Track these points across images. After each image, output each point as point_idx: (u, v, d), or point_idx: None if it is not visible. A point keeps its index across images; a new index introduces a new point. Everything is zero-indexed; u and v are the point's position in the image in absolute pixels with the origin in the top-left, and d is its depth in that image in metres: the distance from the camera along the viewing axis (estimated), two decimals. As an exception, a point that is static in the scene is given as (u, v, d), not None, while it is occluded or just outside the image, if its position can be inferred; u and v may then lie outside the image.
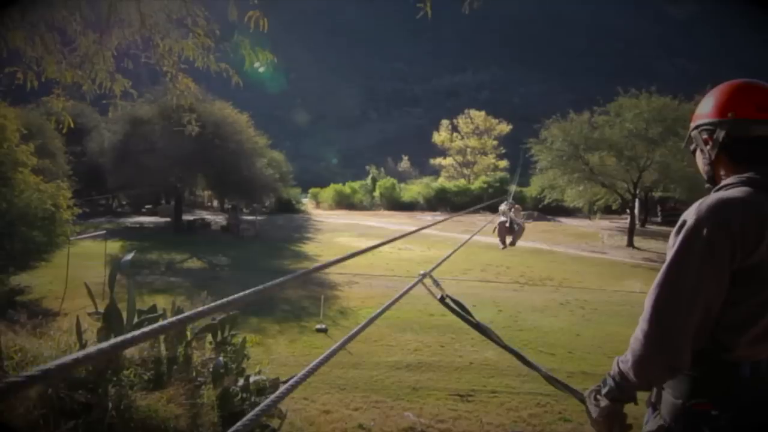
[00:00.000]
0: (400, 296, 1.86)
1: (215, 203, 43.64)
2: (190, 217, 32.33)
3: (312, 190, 52.35)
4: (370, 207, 46.13)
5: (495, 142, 53.54)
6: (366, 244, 20.32)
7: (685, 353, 1.36)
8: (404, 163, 69.08)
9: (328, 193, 49.71)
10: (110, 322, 4.95)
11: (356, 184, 50.35)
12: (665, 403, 1.46)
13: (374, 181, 49.84)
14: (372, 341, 10.14)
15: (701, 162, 1.58)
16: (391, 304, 1.73)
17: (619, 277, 18.16)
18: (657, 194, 31.88)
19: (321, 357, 1.37)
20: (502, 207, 7.25)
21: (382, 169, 56.06)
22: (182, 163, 26.07)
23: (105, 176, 29.25)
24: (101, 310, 5.42)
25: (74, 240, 16.65)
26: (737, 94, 1.48)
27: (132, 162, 26.56)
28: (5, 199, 14.21)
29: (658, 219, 35.94)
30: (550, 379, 1.96)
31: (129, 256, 6.13)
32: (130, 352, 5.51)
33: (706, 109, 1.53)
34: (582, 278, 18.12)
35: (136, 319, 5.58)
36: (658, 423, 1.47)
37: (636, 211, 29.72)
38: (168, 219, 31.42)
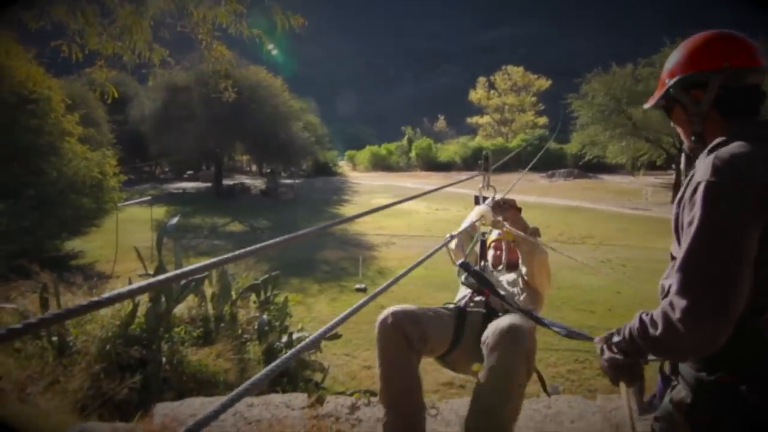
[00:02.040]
0: (428, 256, 1.89)
1: (254, 168, 44.31)
2: (230, 182, 32.98)
3: (348, 153, 52.45)
4: (407, 168, 45.98)
5: (534, 99, 52.15)
6: (403, 205, 20.35)
7: (729, 328, 1.18)
8: (440, 123, 68.16)
9: (364, 155, 49.71)
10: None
11: (392, 146, 50.12)
12: (685, 375, 1.34)
13: (410, 142, 49.48)
14: (411, 300, 10.25)
15: (684, 120, 1.48)
16: (419, 263, 1.77)
17: (662, 235, 17.69)
18: (704, 148, 30.60)
19: (349, 310, 1.42)
20: (482, 209, 2.88)
21: (418, 130, 55.47)
22: (220, 129, 26.47)
23: (147, 143, 30.06)
24: (151, 272, 5.68)
25: (121, 206, 17.32)
26: (729, 43, 1.40)
27: (172, 129, 27.16)
28: (55, 168, 14.83)
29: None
30: (572, 333, 1.85)
31: (174, 221, 6.34)
32: (179, 310, 5.80)
33: (692, 60, 1.42)
34: (624, 236, 17.78)
35: (182, 281, 5.84)
36: (678, 398, 1.34)
37: (682, 166, 28.63)
38: (209, 184, 32.14)
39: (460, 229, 2.40)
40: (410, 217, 19.45)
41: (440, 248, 1.93)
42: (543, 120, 50.44)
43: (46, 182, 14.63)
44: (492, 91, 53.79)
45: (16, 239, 14.70)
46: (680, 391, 1.34)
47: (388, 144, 50.47)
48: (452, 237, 2.03)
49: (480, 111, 54.57)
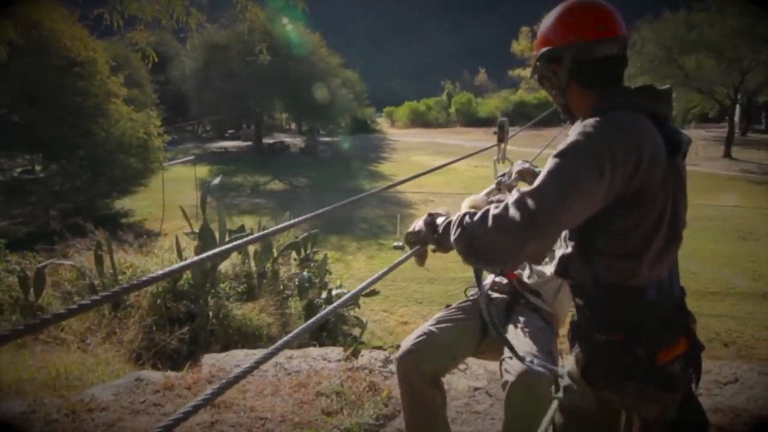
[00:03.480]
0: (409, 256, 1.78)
1: (293, 126, 44.55)
2: (270, 141, 33.33)
3: (386, 109, 51.87)
4: (446, 124, 45.29)
5: (580, 48, 50.00)
6: (440, 161, 20.21)
7: (522, 253, 1.26)
8: (481, 76, 66.39)
9: (402, 111, 49.11)
10: (205, 240, 5.41)
11: (431, 101, 49.28)
12: (583, 338, 1.42)
13: (449, 96, 48.52)
14: (447, 258, 10.36)
15: (553, 93, 1.50)
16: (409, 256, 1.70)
17: (711, 191, 17.11)
18: (762, 99, 28.94)
19: (385, 269, 1.47)
20: (475, 200, 1.72)
21: (458, 84, 54.26)
22: (259, 87, 26.61)
23: (188, 103, 30.56)
24: (196, 230, 5.92)
25: (166, 166, 17.83)
26: (574, 15, 1.40)
27: (212, 88, 27.48)
28: (103, 129, 15.33)
29: (762, 126, 32.83)
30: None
31: (217, 180, 6.54)
32: (224, 267, 6.06)
33: (548, 35, 1.45)
34: (669, 192, 17.24)
35: (227, 238, 6.07)
36: (578, 358, 1.44)
37: (737, 118, 27.29)
38: (250, 143, 32.58)
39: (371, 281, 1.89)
40: (448, 174, 19.31)
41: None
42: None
43: (95, 143, 15.18)
44: (536, 42, 51.83)
45: (70, 198, 15.44)
46: (579, 353, 1.44)
47: (427, 99, 49.65)
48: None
49: (522, 63, 52.78)
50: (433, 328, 2.04)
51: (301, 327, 1.30)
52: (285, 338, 1.28)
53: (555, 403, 1.60)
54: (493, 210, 1.29)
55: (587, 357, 1.41)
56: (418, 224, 1.60)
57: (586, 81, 1.40)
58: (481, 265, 1.60)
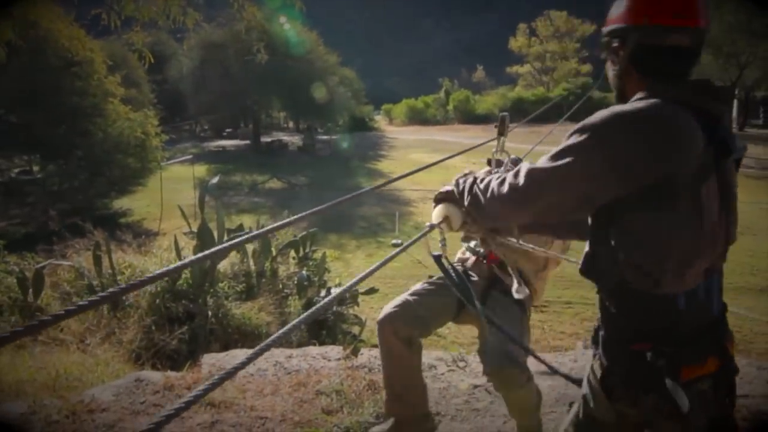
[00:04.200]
0: (409, 245, 1.84)
1: (291, 124, 44.49)
2: (268, 139, 33.29)
3: (385, 107, 51.76)
4: (444, 121, 45.23)
5: (577, 45, 49.94)
6: (440, 159, 20.22)
7: (509, 219, 1.47)
8: (479, 73, 66.32)
9: (400, 108, 49.01)
10: (203, 240, 5.41)
11: (429, 98, 49.19)
12: (606, 344, 1.35)
13: (447, 94, 48.43)
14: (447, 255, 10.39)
15: (611, 74, 1.40)
16: (400, 251, 1.77)
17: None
18: (759, 94, 28.98)
19: (375, 265, 1.48)
20: (447, 210, 1.72)
21: (456, 81, 54.20)
22: (256, 86, 26.58)
23: (186, 102, 30.50)
24: (195, 230, 5.91)
25: (164, 165, 17.82)
26: None
27: (209, 87, 27.44)
28: (101, 129, 15.32)
29: (760, 121, 32.85)
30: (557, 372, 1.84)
31: (215, 180, 6.54)
32: (223, 266, 6.06)
33: (618, 12, 1.33)
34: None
35: (225, 237, 6.07)
36: (597, 366, 1.37)
37: (735, 113, 27.29)
38: (248, 141, 32.55)
39: (413, 240, 1.88)
40: (447, 171, 19.27)
41: (421, 237, 1.71)
42: (587, 68, 48.32)
43: (93, 143, 15.16)
44: (533, 38, 51.76)
45: (68, 198, 15.43)
46: (599, 360, 1.37)
47: (425, 97, 49.57)
48: (432, 227, 1.69)
49: (520, 60, 52.75)
50: (410, 299, 2.22)
51: (296, 320, 1.30)
52: (278, 333, 1.29)
53: (570, 414, 1.54)
54: (492, 179, 1.39)
55: (608, 365, 1.34)
56: (447, 186, 1.68)
57: (647, 69, 1.30)
58: (482, 223, 1.61)
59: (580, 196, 1.24)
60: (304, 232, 7.10)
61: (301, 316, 1.29)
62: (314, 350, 3.00)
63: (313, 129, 33.10)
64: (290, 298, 6.08)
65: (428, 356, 2.85)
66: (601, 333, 1.37)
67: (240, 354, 2.93)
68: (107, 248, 5.25)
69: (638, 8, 1.28)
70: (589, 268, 1.35)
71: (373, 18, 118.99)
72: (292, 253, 6.96)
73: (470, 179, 1.54)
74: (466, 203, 1.50)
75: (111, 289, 0.99)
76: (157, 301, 4.90)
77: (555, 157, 1.24)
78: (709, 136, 1.19)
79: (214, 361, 2.81)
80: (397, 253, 1.65)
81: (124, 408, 2.32)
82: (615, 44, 1.34)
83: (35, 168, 17.52)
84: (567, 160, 1.21)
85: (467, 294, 1.81)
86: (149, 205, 16.25)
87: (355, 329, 6.26)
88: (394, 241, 11.92)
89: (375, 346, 5.28)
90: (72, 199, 15.39)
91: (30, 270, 5.04)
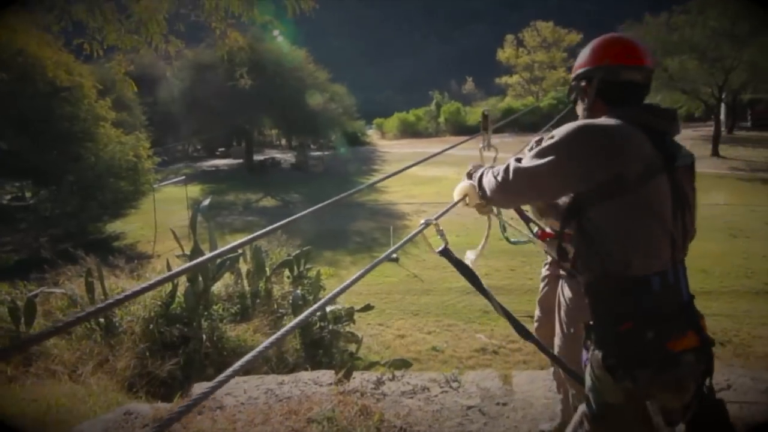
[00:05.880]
0: (406, 242, 1.93)
1: (284, 142, 44.55)
2: (261, 157, 33.30)
3: (376, 121, 51.97)
4: (436, 133, 45.45)
5: (564, 54, 50.31)
6: (432, 171, 20.30)
7: (509, 204, 1.93)
8: (468, 85, 66.77)
9: (392, 122, 49.23)
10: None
11: (420, 111, 49.47)
12: (598, 332, 1.56)
13: (438, 106, 48.71)
14: (442, 268, 10.37)
15: (581, 110, 1.79)
16: (390, 254, 1.84)
17: (701, 190, 16.71)
18: (746, 97, 29.26)
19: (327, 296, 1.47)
20: (464, 187, 2.05)
21: (446, 94, 54.54)
22: (247, 105, 26.64)
23: (178, 123, 30.49)
24: (187, 252, 5.88)
25: (157, 187, 17.78)
26: (610, 45, 1.72)
27: (201, 107, 27.48)
28: (92, 153, 15.27)
29: (748, 124, 33.13)
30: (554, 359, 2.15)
31: (206, 201, 6.52)
32: (217, 288, 6.02)
33: (584, 59, 1.76)
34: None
35: (219, 259, 6.04)
36: (597, 355, 1.55)
37: (722, 116, 27.56)
38: (240, 160, 32.55)
39: (445, 210, 2.14)
40: (440, 183, 19.35)
41: (416, 234, 1.87)
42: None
43: (85, 167, 15.10)
44: (521, 49, 52.20)
45: (60, 224, 15.32)
46: (595, 350, 1.57)
47: (416, 110, 49.84)
48: (428, 223, 1.92)
49: (509, 70, 53.17)
50: None
51: (255, 350, 1.28)
52: (258, 348, 1.27)
53: (580, 410, 1.71)
54: (493, 172, 1.75)
55: (603, 350, 1.53)
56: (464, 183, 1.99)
57: (609, 99, 1.68)
58: (494, 204, 1.96)
59: (555, 187, 1.61)
60: (298, 251, 7.08)
61: (284, 329, 1.28)
62: (306, 375, 2.96)
63: (306, 146, 33.17)
64: (286, 318, 6.04)
65: (421, 377, 2.82)
66: (592, 325, 1.60)
67: (231, 382, 2.89)
68: (99, 274, 5.21)
69: (601, 54, 1.72)
70: (575, 266, 1.64)
71: (362, 34, 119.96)
72: (287, 272, 6.93)
73: (479, 172, 1.90)
74: (479, 192, 1.87)
75: (87, 310, 0.97)
76: (151, 326, 4.87)
77: (534, 157, 1.59)
78: (657, 146, 1.54)
79: (204, 391, 2.77)
80: (396, 249, 1.72)
81: (114, 442, 2.28)
82: (583, 84, 1.75)
83: (27, 194, 17.42)
84: (543, 160, 1.56)
85: (477, 283, 1.96)
86: (143, 227, 16.17)
87: (352, 347, 6.21)
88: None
89: (372, 363, 5.24)
90: (65, 224, 15.27)
91: (22, 299, 4.99)
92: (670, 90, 25.82)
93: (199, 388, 2.84)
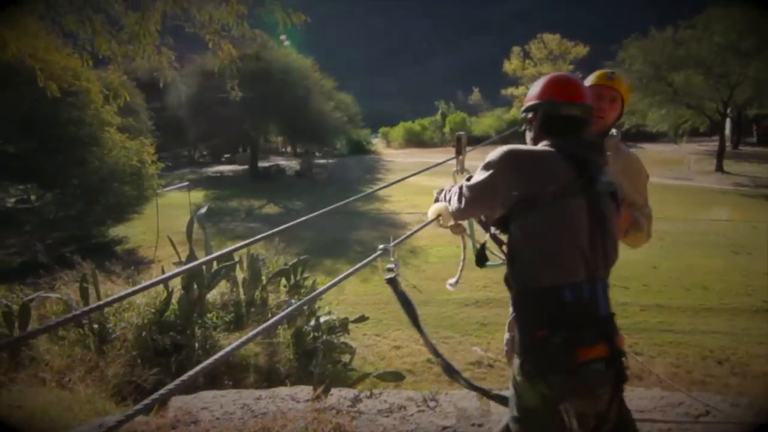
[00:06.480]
0: (357, 269, 2.01)
1: (289, 149, 44.73)
2: (266, 164, 33.43)
3: (382, 130, 52.16)
4: (441, 143, 45.54)
5: (571, 67, 50.35)
6: (436, 182, 20.27)
7: (469, 215, 2.09)
8: (475, 96, 66.90)
9: (398, 131, 49.40)
10: (191, 269, 5.40)
11: (426, 121, 49.64)
12: (520, 339, 1.73)
13: (444, 116, 48.88)
14: (440, 279, 10.36)
15: (528, 138, 2.00)
16: (348, 275, 1.94)
17: (704, 205, 17.18)
18: (751, 113, 29.20)
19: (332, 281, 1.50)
20: (439, 207, 2.36)
21: (452, 104, 54.69)
22: (253, 112, 26.79)
23: (185, 128, 30.69)
24: (183, 259, 5.91)
25: (161, 192, 17.87)
26: (554, 83, 1.94)
27: (207, 113, 27.65)
28: (97, 157, 15.39)
29: (754, 139, 33.03)
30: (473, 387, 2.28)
31: (203, 210, 6.56)
32: (212, 296, 6.04)
33: (532, 94, 1.99)
34: (663, 208, 17.23)
35: (215, 266, 6.06)
36: (516, 364, 1.72)
37: (727, 132, 27.49)
38: (245, 167, 32.68)
39: (409, 234, 2.55)
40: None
41: (370, 261, 2.05)
42: (581, 89, 48.77)
43: (89, 172, 15.21)
44: (527, 61, 52.31)
45: (64, 227, 15.43)
46: (515, 357, 1.73)
47: (422, 119, 49.98)
48: (385, 249, 2.12)
49: (515, 82, 53.27)
50: None
51: (200, 366, 1.28)
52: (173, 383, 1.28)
53: (505, 418, 1.84)
54: (453, 190, 2.04)
55: (522, 357, 1.69)
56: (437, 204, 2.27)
57: (550, 130, 1.89)
58: (456, 218, 2.19)
59: (489, 200, 1.86)
60: (295, 260, 7.09)
61: (223, 351, 1.29)
62: (284, 391, 2.96)
63: (311, 153, 33.29)
64: (280, 327, 6.05)
65: (398, 396, 2.82)
66: (515, 334, 1.75)
67: (208, 396, 2.90)
68: (94, 280, 5.24)
69: (545, 91, 1.94)
70: (505, 279, 1.82)
71: (369, 43, 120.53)
72: (283, 280, 6.93)
73: (445, 191, 2.18)
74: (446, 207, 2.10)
75: (73, 313, 1.00)
76: (144, 333, 4.88)
77: (477, 175, 1.89)
78: (579, 173, 1.73)
79: (181, 404, 2.78)
80: (348, 275, 1.86)
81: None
82: (530, 116, 1.98)
83: (32, 197, 17.55)
84: (480, 176, 1.86)
85: (414, 317, 2.14)
86: (146, 232, 16.24)
87: (346, 357, 6.21)
88: (389, 266, 11.86)
89: (360, 379, 5.22)
90: (68, 227, 15.39)
91: (17, 303, 5.02)
92: (675, 105, 25.82)
93: (176, 401, 2.85)
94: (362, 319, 6.61)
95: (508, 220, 1.78)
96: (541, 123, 1.91)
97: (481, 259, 2.21)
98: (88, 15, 3.45)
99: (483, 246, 2.21)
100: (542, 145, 1.83)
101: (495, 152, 1.83)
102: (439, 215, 2.16)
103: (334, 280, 1.79)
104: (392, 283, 2.11)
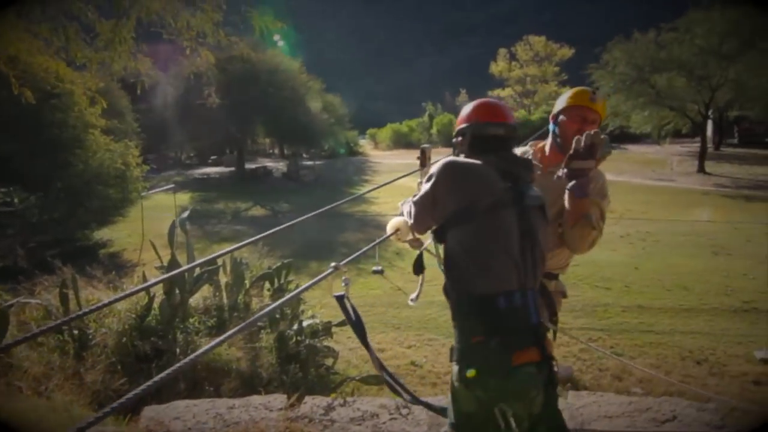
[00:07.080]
0: (308, 287, 2.06)
1: (276, 151, 44.60)
2: (253, 166, 33.31)
3: (369, 131, 52.21)
4: (429, 144, 45.61)
5: (556, 69, 50.89)
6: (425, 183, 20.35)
7: (420, 226, 2.11)
8: (462, 97, 66.94)
9: (385, 133, 49.47)
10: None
11: (413, 122, 49.77)
12: (457, 346, 1.81)
13: (431, 117, 49.05)
14: (426, 282, 10.41)
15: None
16: (300, 292, 1.99)
17: (685, 206, 17.41)
18: (732, 114, 29.66)
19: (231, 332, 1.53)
20: (398, 222, 2.40)
21: (439, 105, 54.88)
22: (240, 114, 26.71)
23: (171, 130, 30.49)
24: (165, 264, 5.88)
25: (147, 194, 17.74)
26: (479, 107, 2.11)
27: (194, 115, 27.51)
28: (81, 160, 15.25)
29: (735, 141, 33.52)
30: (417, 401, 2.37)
31: (185, 214, 6.53)
32: (195, 300, 6.02)
33: (461, 117, 2.15)
34: (645, 208, 17.48)
35: (197, 271, 6.05)
36: (453, 370, 1.79)
37: (709, 133, 27.86)
38: (232, 168, 32.55)
39: (362, 250, 2.66)
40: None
41: (323, 278, 2.05)
42: (566, 90, 49.20)
43: (73, 174, 15.07)
44: (513, 63, 52.68)
45: (48, 230, 15.26)
46: (455, 362, 1.80)
47: (409, 121, 50.11)
48: (337, 267, 2.12)
49: (501, 83, 53.60)
50: None
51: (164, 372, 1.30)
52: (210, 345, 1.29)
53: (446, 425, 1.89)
54: (409, 203, 2.13)
55: (460, 363, 1.76)
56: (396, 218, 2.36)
57: (479, 150, 2.01)
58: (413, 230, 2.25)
59: (432, 210, 1.96)
60: (279, 264, 7.09)
61: (235, 329, 1.32)
62: (258, 399, 2.97)
63: (298, 155, 33.22)
64: (263, 331, 6.05)
65: (371, 403, 2.85)
66: (454, 344, 1.82)
67: (181, 405, 2.91)
68: (74, 285, 5.21)
69: (472, 114, 2.11)
70: (444, 289, 1.90)
71: (357, 44, 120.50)
72: (267, 284, 6.92)
73: (405, 205, 2.22)
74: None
75: (53, 323, 1.02)
76: (124, 339, 4.87)
77: (423, 187, 2.01)
78: (509, 187, 1.87)
79: (153, 414, 2.78)
80: (300, 292, 1.90)
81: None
82: (460, 138, 2.13)
83: (15, 200, 17.33)
84: (426, 190, 1.97)
85: (362, 336, 2.18)
86: (130, 235, 16.13)
87: (329, 361, 6.23)
88: (374, 268, 11.88)
89: (351, 378, 5.24)
90: (52, 230, 15.21)
91: (-3, 309, 4.97)
92: (657, 106, 26.14)
93: (149, 411, 2.85)
94: (345, 323, 6.61)
95: (445, 231, 1.89)
96: (470, 143, 2.05)
97: (419, 267, 2.29)
98: (62, 23, 3.46)
99: (421, 255, 2.28)
100: (475, 159, 1.94)
101: (437, 164, 1.97)
102: (397, 230, 2.23)
103: (289, 294, 1.80)
104: (340, 300, 2.12)
